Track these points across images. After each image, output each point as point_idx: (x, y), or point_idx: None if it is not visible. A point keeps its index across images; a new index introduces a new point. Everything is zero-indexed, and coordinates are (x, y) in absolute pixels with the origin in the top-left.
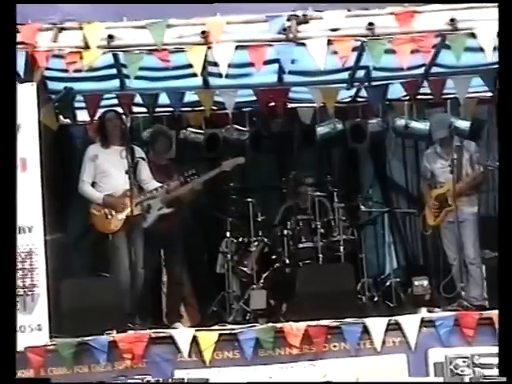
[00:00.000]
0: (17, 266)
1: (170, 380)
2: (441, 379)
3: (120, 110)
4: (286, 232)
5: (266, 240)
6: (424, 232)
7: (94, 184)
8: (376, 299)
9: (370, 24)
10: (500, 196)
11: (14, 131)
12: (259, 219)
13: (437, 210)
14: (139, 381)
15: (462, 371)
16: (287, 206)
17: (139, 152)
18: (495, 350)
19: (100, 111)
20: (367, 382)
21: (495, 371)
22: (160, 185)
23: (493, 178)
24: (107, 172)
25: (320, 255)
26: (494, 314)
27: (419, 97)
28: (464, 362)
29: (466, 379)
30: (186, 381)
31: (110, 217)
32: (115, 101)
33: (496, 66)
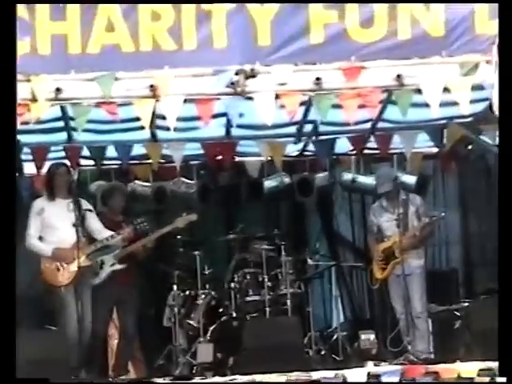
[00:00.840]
0: None
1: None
2: None
3: (67, 162)
4: (233, 285)
5: (213, 293)
6: (371, 286)
7: (41, 238)
8: (323, 353)
9: (318, 79)
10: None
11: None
12: (206, 272)
13: (384, 263)
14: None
15: None
16: (237, 260)
17: (86, 204)
18: None
19: (47, 164)
20: (369, 382)
21: None
22: (112, 233)
23: (439, 231)
24: (54, 225)
25: (267, 308)
26: (440, 368)
27: (366, 151)
28: None
29: None
30: None
31: (61, 269)
32: (62, 153)
33: (441, 121)
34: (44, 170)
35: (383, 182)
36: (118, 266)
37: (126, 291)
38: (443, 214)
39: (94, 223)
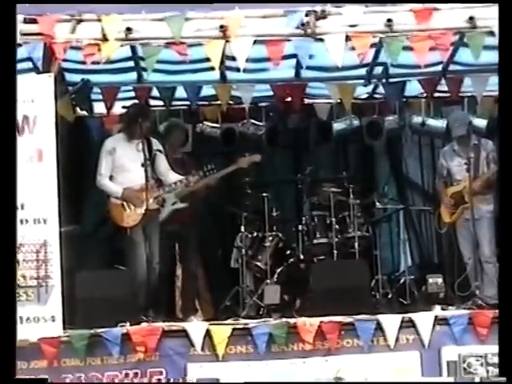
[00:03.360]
0: (31, 258)
1: (180, 380)
2: (452, 379)
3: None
4: (300, 227)
5: (280, 235)
6: (439, 230)
7: (111, 177)
8: (390, 296)
9: (389, 20)
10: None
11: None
12: (274, 214)
13: (452, 207)
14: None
15: (474, 370)
16: (305, 203)
17: (156, 144)
18: None
19: (117, 104)
20: (376, 382)
21: None
22: (180, 178)
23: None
24: (125, 166)
25: (334, 251)
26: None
27: (436, 94)
28: (477, 360)
29: (478, 379)
30: (197, 380)
31: (128, 210)
32: (132, 93)
33: None
34: (114, 109)
35: (457, 126)
36: (180, 205)
37: (187, 230)
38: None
39: (162, 165)
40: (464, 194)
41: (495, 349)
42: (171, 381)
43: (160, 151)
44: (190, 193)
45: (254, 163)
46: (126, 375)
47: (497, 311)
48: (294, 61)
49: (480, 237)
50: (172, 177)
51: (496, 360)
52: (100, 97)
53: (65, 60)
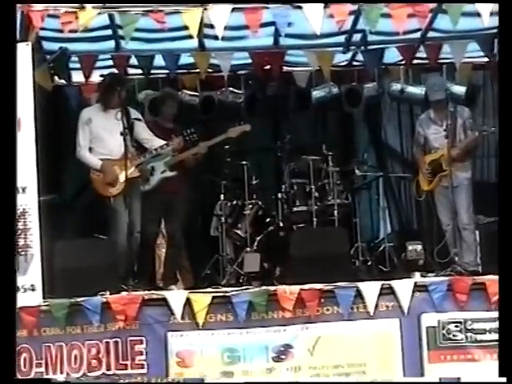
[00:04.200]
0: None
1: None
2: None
3: (115, 71)
4: (280, 195)
5: (260, 203)
6: (417, 197)
7: (90, 149)
8: (369, 263)
9: None
10: (500, 161)
11: (14, 93)
12: (253, 182)
13: (430, 175)
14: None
15: (454, 336)
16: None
17: (134, 113)
18: (488, 315)
19: (95, 72)
20: (384, 382)
21: (487, 336)
22: (164, 142)
23: (488, 143)
24: (102, 136)
25: (314, 219)
26: (487, 279)
27: (415, 61)
28: (456, 326)
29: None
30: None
31: (109, 181)
32: (110, 62)
33: (492, 30)
34: (92, 78)
35: (436, 90)
36: (169, 174)
37: (175, 199)
38: (493, 128)
39: (143, 132)
40: (441, 161)
41: (474, 315)
42: (152, 349)
43: (139, 119)
44: (179, 162)
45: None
46: (107, 344)
47: (476, 278)
48: (272, 28)
49: (458, 204)
50: (157, 143)
51: (475, 326)
52: (78, 65)
53: (42, 28)
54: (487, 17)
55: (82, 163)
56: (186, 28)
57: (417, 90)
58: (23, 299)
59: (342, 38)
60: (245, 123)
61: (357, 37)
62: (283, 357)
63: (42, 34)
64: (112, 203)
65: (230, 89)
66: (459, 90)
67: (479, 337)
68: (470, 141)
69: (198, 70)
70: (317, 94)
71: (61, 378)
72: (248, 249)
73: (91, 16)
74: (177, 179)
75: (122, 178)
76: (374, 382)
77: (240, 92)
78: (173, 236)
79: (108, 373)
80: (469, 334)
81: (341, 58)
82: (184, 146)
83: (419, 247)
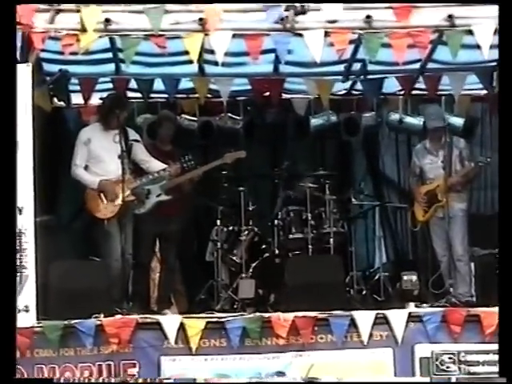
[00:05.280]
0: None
1: (156, 373)
2: (427, 378)
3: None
4: (276, 222)
5: (256, 229)
6: (412, 228)
7: (86, 168)
8: (364, 293)
9: (368, 17)
10: (500, 194)
11: (14, 114)
12: (250, 208)
13: (426, 205)
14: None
15: (447, 367)
16: (281, 198)
17: (133, 135)
18: (481, 347)
19: (95, 95)
20: (374, 382)
21: (481, 368)
22: (164, 167)
23: (484, 175)
24: (100, 157)
25: (310, 246)
26: (482, 311)
27: (414, 92)
28: (450, 358)
29: (453, 378)
30: (174, 379)
31: (105, 201)
32: (110, 85)
33: (492, 63)
34: (92, 101)
35: (433, 119)
36: (165, 197)
37: (170, 223)
38: (489, 159)
39: (141, 153)
40: (437, 192)
41: (468, 347)
42: (144, 373)
43: (137, 141)
44: (175, 186)
45: (238, 159)
46: (99, 367)
47: (470, 309)
48: (272, 55)
49: (453, 235)
50: (155, 165)
51: (468, 358)
52: (78, 88)
53: (43, 50)
54: (487, 49)
55: (79, 184)
56: (186, 53)
57: (415, 121)
58: (17, 320)
59: (341, 67)
60: (242, 149)
61: (356, 66)
62: None
63: (43, 55)
64: (106, 226)
65: (229, 114)
66: (457, 121)
67: (472, 369)
68: (467, 171)
69: (197, 95)
70: (315, 121)
71: None
72: (243, 275)
73: (92, 39)
74: (172, 203)
75: (117, 200)
76: (369, 382)
77: (239, 118)
78: (167, 259)
79: None
80: (462, 366)
81: (340, 87)
82: (180, 173)
83: (414, 277)
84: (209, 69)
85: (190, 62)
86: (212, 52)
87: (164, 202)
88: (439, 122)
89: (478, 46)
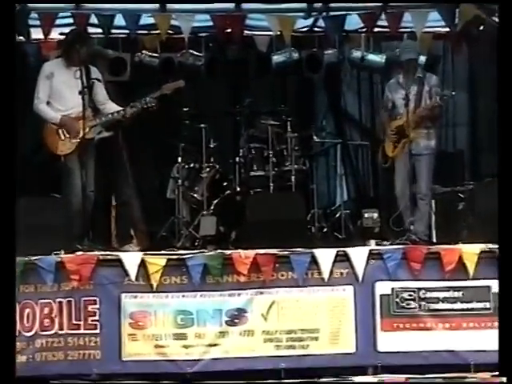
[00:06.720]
0: None
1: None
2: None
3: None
4: (238, 159)
5: (217, 167)
6: (383, 164)
7: (48, 103)
8: (325, 230)
9: None
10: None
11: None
12: (211, 146)
13: (396, 140)
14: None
15: (407, 304)
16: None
17: (95, 73)
18: (441, 284)
19: (54, 30)
20: (375, 383)
21: (440, 305)
22: (119, 109)
23: (446, 112)
24: (62, 92)
25: (271, 184)
26: (441, 248)
27: (376, 29)
28: (410, 295)
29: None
30: None
31: (63, 138)
32: (70, 20)
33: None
34: (52, 35)
35: (408, 50)
36: (105, 134)
37: (118, 159)
38: (453, 92)
39: (100, 94)
40: (405, 127)
41: (427, 284)
42: (105, 310)
43: (98, 80)
44: (116, 121)
45: (179, 88)
46: (60, 304)
47: (430, 247)
48: None
49: (418, 173)
50: (110, 107)
51: (428, 295)
52: (37, 22)
53: None
54: None
55: (39, 121)
56: None
57: (377, 58)
58: None
59: (303, 4)
60: (204, 86)
61: (319, 3)
62: (237, 321)
63: None
64: (65, 162)
65: (191, 51)
66: (420, 58)
67: (432, 306)
68: (434, 106)
69: (158, 31)
70: (277, 58)
71: None
72: (204, 212)
73: None
74: (115, 139)
75: (75, 137)
76: (364, 382)
77: (200, 54)
78: (121, 193)
79: (60, 332)
80: (422, 303)
81: (302, 24)
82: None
83: (375, 215)
84: (170, 5)
85: None
86: None
87: (108, 138)
88: (414, 54)
89: None
